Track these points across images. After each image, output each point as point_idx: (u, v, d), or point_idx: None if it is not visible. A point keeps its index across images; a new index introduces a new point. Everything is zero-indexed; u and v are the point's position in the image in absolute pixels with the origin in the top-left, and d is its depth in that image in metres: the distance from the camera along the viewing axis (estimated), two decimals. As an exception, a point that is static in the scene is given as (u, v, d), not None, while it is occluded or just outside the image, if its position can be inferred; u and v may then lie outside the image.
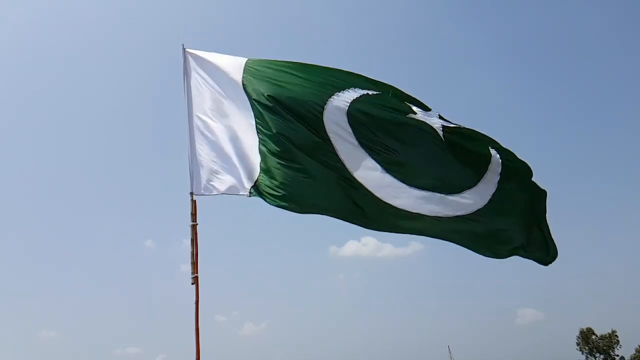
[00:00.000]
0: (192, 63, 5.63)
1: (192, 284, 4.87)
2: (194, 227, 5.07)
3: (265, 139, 5.14)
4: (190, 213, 5.12)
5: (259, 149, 5.19)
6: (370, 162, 4.94)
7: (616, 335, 55.21)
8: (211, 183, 5.31)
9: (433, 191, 4.90)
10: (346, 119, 4.96)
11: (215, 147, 5.40)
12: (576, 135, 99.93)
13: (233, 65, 5.44)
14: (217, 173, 5.32)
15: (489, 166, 4.87)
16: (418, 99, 5.05)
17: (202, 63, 5.61)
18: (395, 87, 5.06)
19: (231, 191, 5.22)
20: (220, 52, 5.67)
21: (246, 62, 5.40)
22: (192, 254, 4.98)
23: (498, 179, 4.85)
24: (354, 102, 4.96)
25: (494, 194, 4.85)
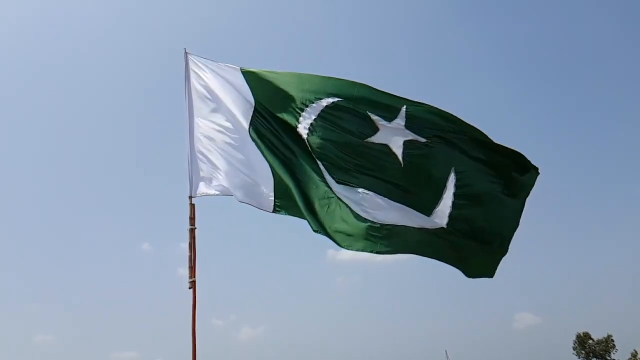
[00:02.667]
0: (194, 67, 5.61)
1: (190, 288, 4.81)
2: (192, 231, 5.01)
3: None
4: (188, 217, 5.08)
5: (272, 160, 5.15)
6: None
7: (612, 340, 55.14)
8: (211, 185, 5.30)
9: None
10: (307, 145, 4.92)
11: (218, 151, 5.36)
12: (576, 137, 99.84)
13: (233, 72, 5.40)
14: (216, 177, 5.30)
15: (445, 188, 4.62)
16: (389, 93, 4.79)
17: (204, 67, 5.58)
18: (364, 85, 4.83)
19: (242, 199, 5.15)
20: (222, 56, 5.71)
21: (242, 71, 5.36)
22: (190, 258, 4.91)
23: (452, 200, 4.61)
24: (312, 126, 4.87)
25: (448, 216, 4.59)
